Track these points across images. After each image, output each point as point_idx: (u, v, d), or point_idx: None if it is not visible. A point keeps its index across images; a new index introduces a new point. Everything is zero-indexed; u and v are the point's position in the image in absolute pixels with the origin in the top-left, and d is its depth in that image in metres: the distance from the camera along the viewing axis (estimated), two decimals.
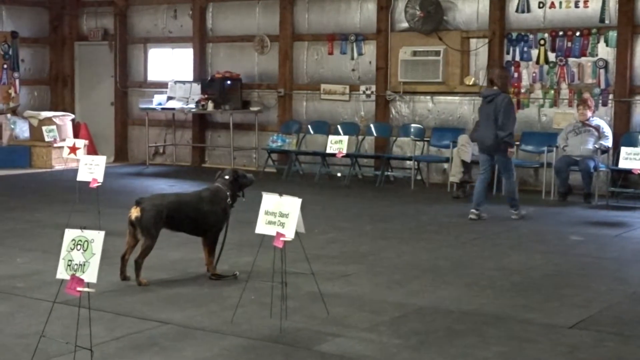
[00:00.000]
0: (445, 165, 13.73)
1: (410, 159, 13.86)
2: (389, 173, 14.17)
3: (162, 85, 16.60)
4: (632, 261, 8.24)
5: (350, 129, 14.53)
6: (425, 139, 13.94)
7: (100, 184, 8.94)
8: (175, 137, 16.93)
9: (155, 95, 16.38)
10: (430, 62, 13.94)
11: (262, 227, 5.78)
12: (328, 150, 11.89)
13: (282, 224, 5.68)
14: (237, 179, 7.29)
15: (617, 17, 12.73)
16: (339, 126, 14.67)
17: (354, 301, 6.53)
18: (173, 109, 16.09)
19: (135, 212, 6.80)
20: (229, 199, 7.20)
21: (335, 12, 15.19)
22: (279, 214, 5.71)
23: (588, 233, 9.73)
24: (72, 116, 16.85)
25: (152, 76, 17.30)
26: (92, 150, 16.48)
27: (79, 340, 4.79)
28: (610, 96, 12.83)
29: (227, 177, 7.28)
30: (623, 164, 10.84)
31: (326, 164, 14.42)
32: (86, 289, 4.59)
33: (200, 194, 7.19)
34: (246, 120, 15.99)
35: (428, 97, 14.33)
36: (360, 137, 14.50)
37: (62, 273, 4.64)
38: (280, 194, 5.78)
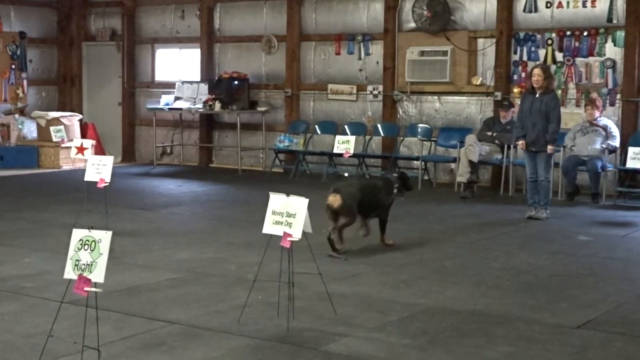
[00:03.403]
0: (453, 165, 13.72)
1: (417, 159, 13.84)
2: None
3: (170, 86, 16.62)
4: (639, 261, 8.22)
5: (358, 129, 14.53)
6: (432, 139, 13.92)
7: (107, 184, 8.94)
8: (182, 137, 16.94)
9: (163, 96, 16.40)
10: (437, 62, 13.93)
11: (270, 227, 5.78)
12: (335, 150, 11.88)
13: (289, 224, 5.68)
14: (402, 177, 8.92)
15: (624, 17, 12.69)
16: (346, 126, 14.67)
17: (362, 301, 6.53)
18: (180, 109, 16.09)
19: (336, 200, 7.99)
20: (395, 189, 8.63)
21: (343, 12, 15.19)
22: (286, 214, 5.70)
23: (596, 233, 9.71)
24: (80, 116, 16.88)
25: (159, 76, 17.32)
26: (99, 150, 16.50)
27: (86, 340, 4.79)
28: (618, 96, 12.80)
29: (395, 174, 9.05)
30: (631, 163, 10.83)
31: (333, 164, 14.42)
32: (93, 289, 4.60)
33: (376, 183, 8.74)
34: (253, 120, 15.99)
35: (435, 97, 14.32)
36: (367, 137, 14.50)
37: (69, 273, 4.65)
38: (288, 194, 5.77)
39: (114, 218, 9.15)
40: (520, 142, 10.64)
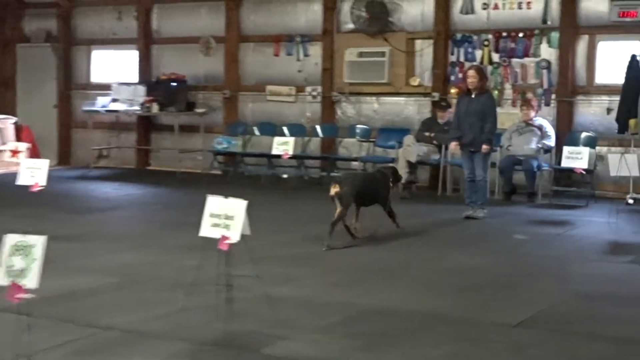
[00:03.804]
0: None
1: (356, 160, 13.87)
2: (335, 174, 14.15)
3: (106, 88, 16.39)
4: (575, 260, 8.33)
5: (297, 130, 14.50)
6: (371, 139, 13.97)
7: (43, 187, 8.78)
8: (119, 140, 16.74)
9: (99, 98, 16.17)
10: (375, 63, 13.98)
11: (207, 229, 5.73)
12: (274, 152, 11.85)
13: (227, 227, 5.63)
14: (393, 171, 9.69)
15: (559, 19, 12.89)
16: (285, 127, 14.64)
17: (303, 303, 6.50)
18: (117, 111, 15.90)
19: (334, 189, 8.58)
20: (391, 182, 9.37)
21: (282, 14, 15.16)
22: (224, 217, 5.66)
23: (532, 232, 9.82)
24: (15, 119, 16.57)
25: (96, 78, 17.10)
26: (35, 153, 16.18)
27: (20, 348, 4.68)
28: (553, 96, 12.99)
29: (387, 169, 9.73)
30: (566, 163, 10.98)
31: (272, 166, 14.38)
32: (26, 296, 4.50)
33: (373, 174, 9.55)
34: (192, 122, 15.87)
35: (374, 98, 14.37)
36: (306, 139, 14.49)
37: (1, 279, 4.54)
38: (226, 196, 5.73)
39: (50, 222, 8.99)
40: (453, 144, 10.70)
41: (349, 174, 9.98)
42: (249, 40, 15.48)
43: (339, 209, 8.64)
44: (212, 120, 15.79)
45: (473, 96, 10.48)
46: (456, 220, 10.50)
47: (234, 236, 5.61)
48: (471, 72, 10.53)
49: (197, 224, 5.92)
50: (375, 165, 13.97)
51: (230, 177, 14.48)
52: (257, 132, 14.98)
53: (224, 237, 5.62)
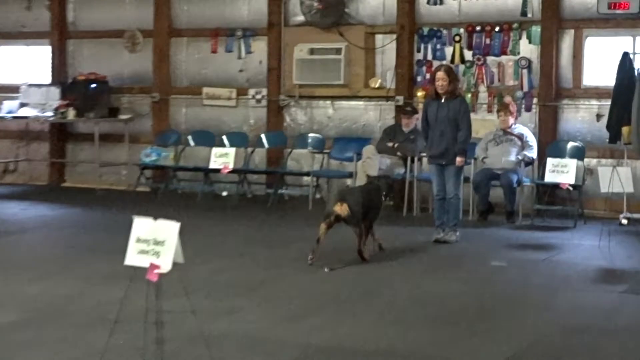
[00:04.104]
0: (349, 181, 13.79)
1: (308, 174, 13.87)
2: (283, 191, 14.15)
3: (13, 90, 16.22)
4: (561, 289, 8.40)
5: (238, 139, 14.46)
6: (325, 150, 13.98)
7: None
8: (29, 151, 16.58)
9: (5, 102, 16.00)
10: (330, 62, 14.01)
11: (133, 257, 5.68)
12: (211, 166, 11.81)
13: (157, 253, 5.58)
14: (388, 184, 10.31)
15: (541, 11, 13.02)
16: (224, 137, 14.59)
17: (245, 341, 6.46)
18: (26, 117, 15.74)
19: (344, 210, 9.11)
20: (384, 194, 10.00)
21: (220, 4, 15.16)
22: (153, 242, 5.61)
23: (512, 257, 9.88)
24: None
25: (1, 79, 16.93)
26: None
27: None
28: (535, 100, 13.10)
29: (380, 179, 10.34)
30: (550, 177, 11.06)
31: (210, 182, 14.32)
32: None
33: (371, 188, 9.93)
34: (115, 130, 15.76)
35: (328, 102, 14.40)
36: (249, 150, 14.46)
37: None
38: (155, 218, 5.69)
39: None
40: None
41: (347, 189, 10.70)
42: (181, 34, 15.44)
43: (356, 230, 9.31)
44: (139, 129, 15.70)
45: (443, 101, 10.52)
46: (425, 245, 10.53)
47: (165, 264, 5.56)
48: (440, 74, 10.58)
49: (122, 251, 5.86)
50: (329, 181, 14.00)
51: (161, 195, 14.39)
52: (191, 142, 14.92)
53: (153, 266, 5.57)
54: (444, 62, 13.20)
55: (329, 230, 9.21)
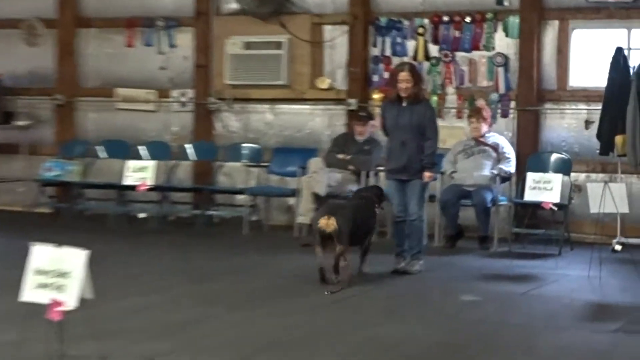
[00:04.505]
0: (292, 201, 13.81)
1: (242, 192, 13.86)
2: (212, 212, 14.12)
3: None
4: (544, 328, 8.45)
5: (159, 151, 14.44)
6: (263, 164, 13.98)
7: None
8: None
9: None
10: (269, 58, 14.04)
11: (31, 292, 5.65)
12: (126, 182, 11.75)
13: (60, 288, 5.56)
14: (379, 194, 10.71)
15: None
16: (142, 147, 14.55)
17: None
18: None
19: (330, 224, 9.59)
20: (377, 206, 10.55)
21: None
22: (56, 274, 5.59)
23: (485, 291, 9.92)
24: None
25: None
26: None
27: None
28: (512, 104, 13.20)
29: (369, 190, 10.98)
30: (530, 195, 11.10)
31: (124, 201, 14.26)
32: None
33: (358, 201, 10.48)
34: (9, 139, 15.67)
35: (266, 106, 14.43)
36: (172, 163, 14.42)
37: None
38: (58, 244, 5.66)
39: None
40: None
41: (336, 203, 10.80)
42: (90, 24, 15.40)
43: (339, 248, 9.68)
44: (39, 137, 15.62)
45: (404, 105, 10.52)
46: (382, 276, 10.55)
47: (70, 300, 5.54)
48: (404, 75, 10.59)
49: (17, 284, 5.83)
50: (268, 200, 14.00)
51: (65, 216, 14.29)
52: (102, 154, 14.86)
53: (56, 303, 5.55)
54: (406, 59, 13.29)
55: (327, 251, 9.76)
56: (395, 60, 13.55)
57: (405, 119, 10.53)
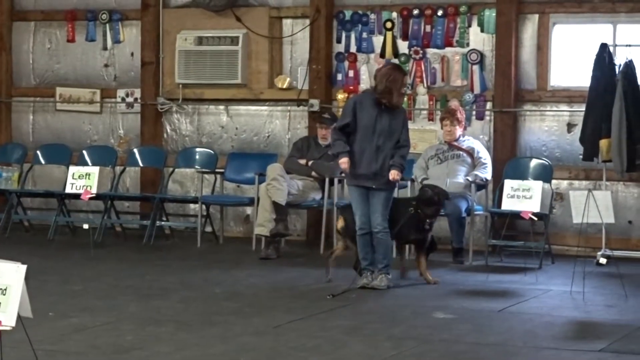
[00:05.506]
0: (249, 210, 13.81)
1: (195, 200, 13.85)
2: (162, 223, 14.10)
3: None
4: (523, 347, 8.49)
5: (103, 156, 14.40)
6: (217, 170, 13.97)
7: None
8: None
9: None
10: (224, 55, 14.04)
11: None
12: (68, 190, 11.73)
13: None
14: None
15: None
16: (85, 152, 14.51)
17: None
18: None
19: (339, 223, 11.08)
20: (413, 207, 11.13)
21: None
22: None
23: (460, 308, 9.95)
24: None
25: None
26: None
27: None
28: (489, 105, 13.25)
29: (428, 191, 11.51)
30: (508, 204, 11.15)
31: (66, 211, 14.22)
32: None
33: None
34: None
35: (221, 107, 14.43)
36: (118, 169, 14.39)
37: None
38: None
39: None
40: (344, 160, 10.57)
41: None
42: (27, 17, 15.34)
43: (340, 245, 11.16)
44: None
45: (383, 108, 10.43)
46: (348, 293, 10.56)
47: (7, 320, 5.52)
48: (405, 78, 10.80)
49: None
50: (224, 210, 13.99)
51: (1, 228, 14.23)
52: (41, 160, 14.80)
53: None
54: (372, 56, 13.34)
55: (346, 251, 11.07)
56: (361, 57, 13.60)
57: (384, 124, 10.46)
